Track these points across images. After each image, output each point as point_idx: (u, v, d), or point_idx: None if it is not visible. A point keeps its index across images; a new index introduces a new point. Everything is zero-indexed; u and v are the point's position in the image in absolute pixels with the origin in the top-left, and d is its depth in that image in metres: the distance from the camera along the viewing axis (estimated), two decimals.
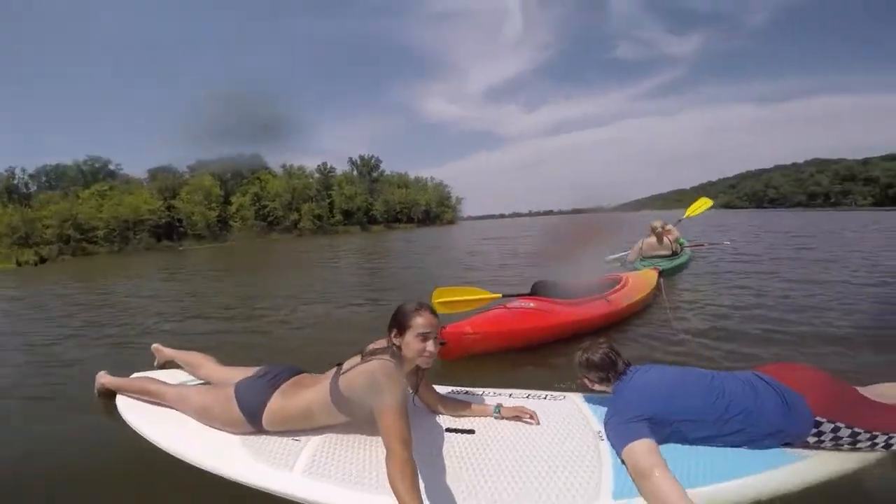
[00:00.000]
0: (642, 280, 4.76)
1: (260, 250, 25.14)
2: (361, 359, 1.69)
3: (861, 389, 1.80)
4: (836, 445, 1.60)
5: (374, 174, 64.48)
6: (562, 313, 3.45)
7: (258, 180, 51.57)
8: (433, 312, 1.74)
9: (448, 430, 1.82)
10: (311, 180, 56.06)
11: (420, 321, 1.69)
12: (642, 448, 1.52)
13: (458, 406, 1.98)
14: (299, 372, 1.96)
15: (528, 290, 3.81)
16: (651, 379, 1.80)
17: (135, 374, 2.56)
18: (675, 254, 6.88)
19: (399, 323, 1.71)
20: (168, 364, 2.82)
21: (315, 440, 1.73)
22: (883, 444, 1.59)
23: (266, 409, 1.76)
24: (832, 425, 1.59)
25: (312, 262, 14.50)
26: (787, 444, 1.62)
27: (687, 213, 8.19)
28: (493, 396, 2.14)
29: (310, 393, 1.75)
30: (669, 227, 7.18)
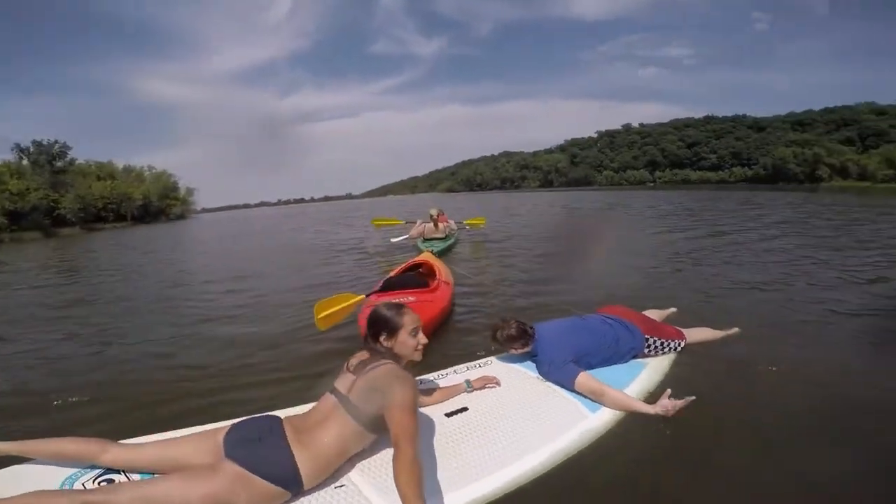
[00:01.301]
0: (438, 261, 5.49)
1: None
2: (355, 374, 1.73)
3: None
4: (656, 352, 2.69)
5: (59, 164, 48.29)
6: (435, 301, 3.84)
7: None
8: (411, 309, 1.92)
9: (446, 414, 2.10)
10: None
11: (408, 319, 1.82)
12: (585, 378, 2.23)
13: (437, 393, 2.26)
14: (276, 418, 1.75)
15: (378, 288, 4.12)
16: (553, 332, 2.53)
17: None
18: (447, 237, 8.72)
19: (388, 326, 1.80)
20: None
21: (354, 476, 1.67)
22: (674, 347, 2.75)
23: (300, 467, 1.56)
24: (653, 339, 2.67)
25: None
26: (635, 357, 2.63)
27: (466, 222, 10.58)
28: (444, 377, 2.49)
29: (331, 430, 1.64)
30: (444, 214, 9.19)
